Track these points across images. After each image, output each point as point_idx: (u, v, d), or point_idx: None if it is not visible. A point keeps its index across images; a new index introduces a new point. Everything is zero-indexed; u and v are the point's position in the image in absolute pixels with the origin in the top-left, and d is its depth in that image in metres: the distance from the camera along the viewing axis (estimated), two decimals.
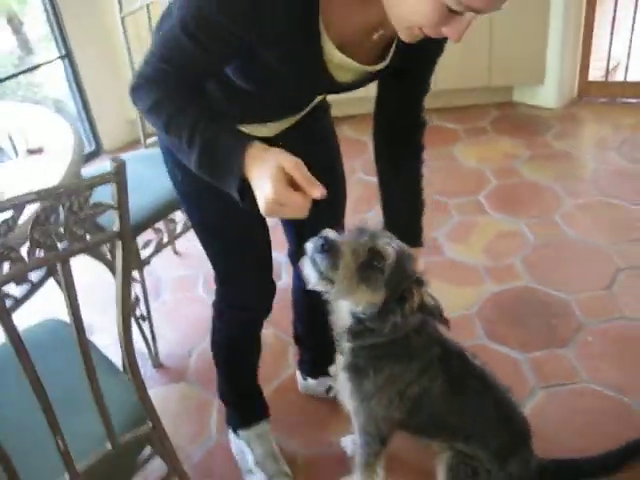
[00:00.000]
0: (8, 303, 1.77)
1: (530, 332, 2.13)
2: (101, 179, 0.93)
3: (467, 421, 1.47)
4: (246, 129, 1.30)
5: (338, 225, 1.58)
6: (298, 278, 1.70)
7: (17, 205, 0.85)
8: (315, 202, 1.04)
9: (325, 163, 1.49)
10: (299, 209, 1.01)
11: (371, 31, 1.12)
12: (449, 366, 1.42)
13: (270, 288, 1.59)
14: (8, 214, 0.86)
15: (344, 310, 1.35)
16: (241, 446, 1.81)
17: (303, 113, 1.41)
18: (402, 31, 1.04)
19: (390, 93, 1.38)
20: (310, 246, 1.22)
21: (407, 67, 1.25)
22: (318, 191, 1.00)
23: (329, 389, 1.95)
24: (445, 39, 1.05)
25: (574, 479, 1.63)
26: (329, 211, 1.51)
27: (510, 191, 2.89)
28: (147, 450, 1.33)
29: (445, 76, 3.20)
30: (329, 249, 1.20)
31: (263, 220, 1.45)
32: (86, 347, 1.04)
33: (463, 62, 3.13)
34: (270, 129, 1.38)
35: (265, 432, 1.82)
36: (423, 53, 1.21)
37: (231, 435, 1.85)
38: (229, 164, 1.05)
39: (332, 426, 1.87)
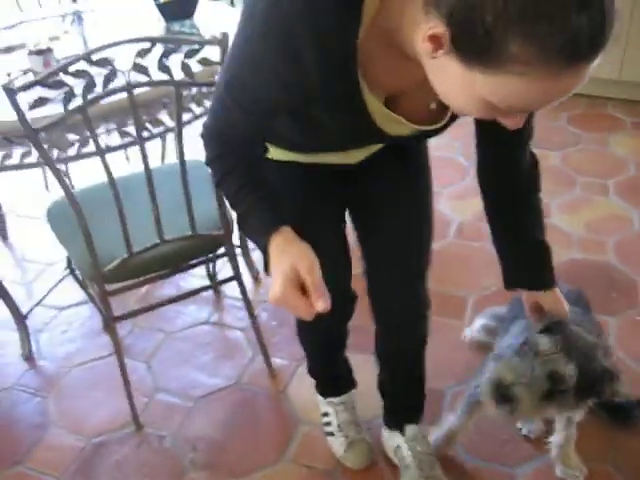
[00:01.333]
0: None
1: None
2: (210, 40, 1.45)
3: None
4: (325, 159, 1.32)
5: (410, 266, 1.52)
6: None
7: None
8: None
9: (409, 197, 1.46)
10: (302, 314, 0.99)
11: (426, 93, 0.98)
12: None
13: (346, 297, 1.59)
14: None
15: None
16: (326, 409, 1.91)
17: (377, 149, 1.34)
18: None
19: (485, 132, 1.27)
20: (485, 392, 1.27)
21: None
22: (322, 304, 0.96)
23: (397, 450, 1.80)
24: None
25: None
26: (404, 248, 1.49)
27: None
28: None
29: (633, 69, 3.32)
30: (503, 398, 1.24)
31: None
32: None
33: None
34: (350, 157, 1.35)
35: (350, 401, 1.90)
36: None
37: (319, 397, 1.93)
38: (259, 240, 1.09)
39: None
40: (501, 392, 1.24)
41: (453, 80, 0.86)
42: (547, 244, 1.39)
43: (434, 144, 1.39)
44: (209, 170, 1.16)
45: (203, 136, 1.15)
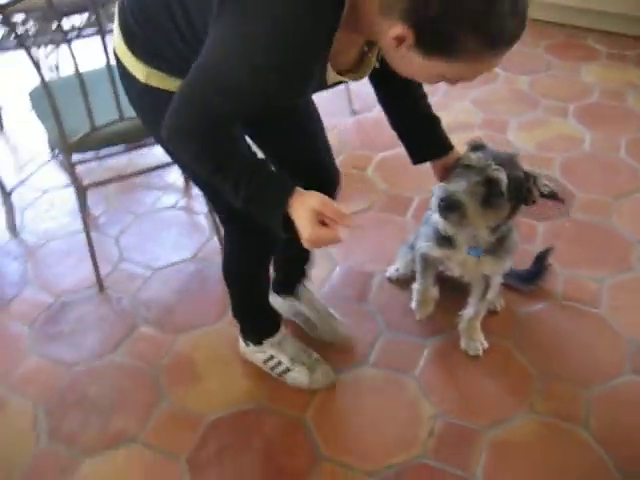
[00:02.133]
0: None
1: None
2: None
3: None
4: None
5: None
6: None
7: None
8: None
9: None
10: (332, 241, 1.20)
11: (362, 52, 1.29)
12: None
13: None
14: None
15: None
16: (270, 352, 1.90)
17: None
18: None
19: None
20: (434, 208, 1.52)
21: None
22: (347, 220, 1.19)
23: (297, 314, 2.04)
24: None
25: None
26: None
27: (601, 110, 3.12)
28: None
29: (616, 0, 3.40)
30: (451, 207, 1.48)
31: None
32: None
33: None
34: None
35: (285, 333, 1.94)
36: None
37: (252, 351, 1.92)
38: (276, 209, 1.22)
39: None
40: (448, 202, 1.46)
41: (413, 65, 1.12)
42: (437, 116, 1.63)
43: None
44: (192, 165, 1.27)
45: (176, 135, 1.21)
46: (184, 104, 1.18)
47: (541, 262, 2.19)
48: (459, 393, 1.88)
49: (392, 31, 1.06)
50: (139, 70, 1.38)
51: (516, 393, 1.87)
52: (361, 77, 1.34)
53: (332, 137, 1.77)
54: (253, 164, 1.25)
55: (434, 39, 1.05)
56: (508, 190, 1.50)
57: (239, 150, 1.26)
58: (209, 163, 1.23)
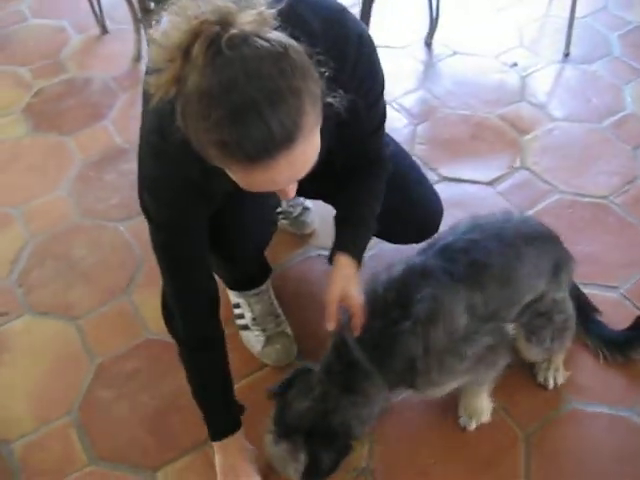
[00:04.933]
0: None
1: None
2: None
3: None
4: None
5: None
6: None
7: None
8: None
9: None
10: None
11: None
12: None
13: None
14: None
15: None
16: (237, 301, 1.77)
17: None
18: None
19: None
20: None
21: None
22: None
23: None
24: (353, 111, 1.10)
25: None
26: None
27: None
28: None
29: None
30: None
31: None
32: None
33: None
34: None
35: (265, 289, 1.76)
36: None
37: (228, 289, 1.79)
38: (210, 425, 1.44)
39: None
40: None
41: None
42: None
43: None
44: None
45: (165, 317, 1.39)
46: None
47: None
48: None
49: None
50: None
51: None
52: None
53: None
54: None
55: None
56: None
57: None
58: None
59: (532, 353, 1.57)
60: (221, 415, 1.45)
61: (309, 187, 1.38)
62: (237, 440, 1.45)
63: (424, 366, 1.33)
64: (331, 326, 1.34)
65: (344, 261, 1.37)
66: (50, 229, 2.16)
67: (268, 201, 1.46)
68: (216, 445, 1.46)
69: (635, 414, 1.60)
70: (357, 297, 1.34)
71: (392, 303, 1.33)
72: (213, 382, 1.42)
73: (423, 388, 1.41)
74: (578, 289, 1.71)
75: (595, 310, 1.73)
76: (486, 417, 1.58)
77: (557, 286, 1.50)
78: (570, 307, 1.57)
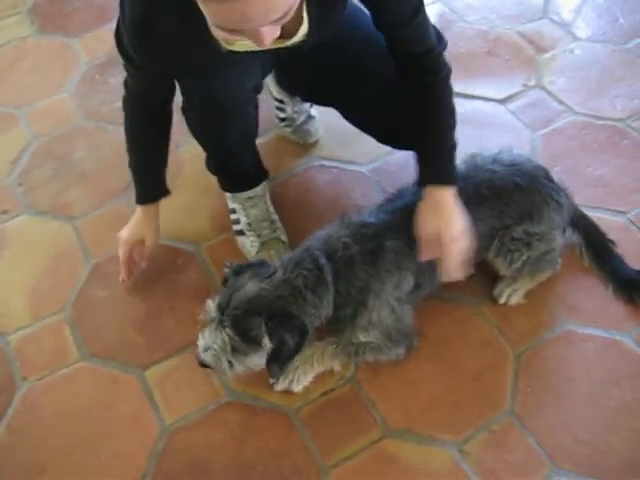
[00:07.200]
0: None
1: None
2: None
3: None
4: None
5: None
6: None
7: None
8: None
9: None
10: (121, 268, 1.67)
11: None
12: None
13: None
14: None
15: None
16: (233, 206, 1.77)
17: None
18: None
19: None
20: None
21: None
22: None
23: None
24: None
25: None
26: None
27: None
28: None
29: None
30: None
31: None
32: None
33: None
34: None
35: (261, 194, 1.75)
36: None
37: (226, 194, 1.79)
38: (138, 189, 1.64)
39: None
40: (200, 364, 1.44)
41: None
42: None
43: None
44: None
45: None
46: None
47: None
48: None
49: None
50: None
51: None
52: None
53: None
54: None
55: None
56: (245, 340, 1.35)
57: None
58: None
59: (500, 267, 1.61)
60: (151, 182, 1.64)
61: (319, 81, 1.50)
62: (155, 210, 1.65)
63: (371, 305, 1.44)
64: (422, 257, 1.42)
65: (434, 193, 1.39)
66: (53, 130, 2.15)
67: (246, 77, 1.43)
68: (138, 208, 1.65)
69: (630, 339, 1.59)
70: (446, 235, 1.36)
71: (371, 236, 1.43)
72: (152, 150, 1.60)
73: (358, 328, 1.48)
74: (586, 217, 1.69)
75: (610, 242, 1.70)
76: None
77: (531, 222, 1.53)
78: (557, 242, 1.59)
